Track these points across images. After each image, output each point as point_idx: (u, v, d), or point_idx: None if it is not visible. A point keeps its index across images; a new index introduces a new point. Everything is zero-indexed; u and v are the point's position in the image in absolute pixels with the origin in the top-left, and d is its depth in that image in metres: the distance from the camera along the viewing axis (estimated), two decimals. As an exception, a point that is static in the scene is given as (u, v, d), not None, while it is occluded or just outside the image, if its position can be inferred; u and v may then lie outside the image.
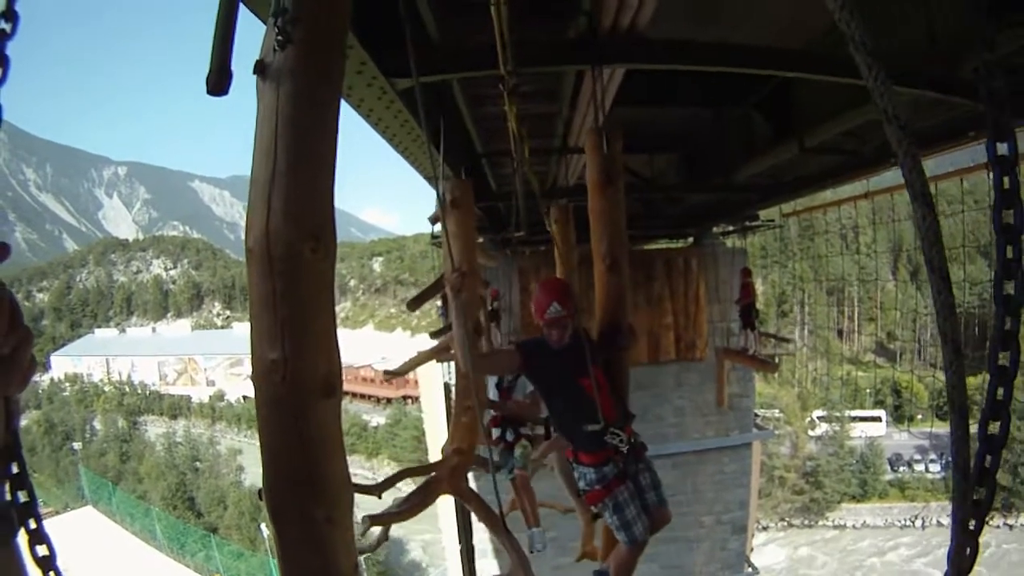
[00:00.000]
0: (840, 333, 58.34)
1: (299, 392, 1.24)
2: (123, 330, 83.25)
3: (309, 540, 1.32)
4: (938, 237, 0.85)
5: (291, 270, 1.19)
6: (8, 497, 0.87)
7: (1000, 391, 0.77)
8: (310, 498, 1.30)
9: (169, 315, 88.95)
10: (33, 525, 0.89)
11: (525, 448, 5.17)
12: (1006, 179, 0.92)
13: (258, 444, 1.30)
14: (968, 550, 0.83)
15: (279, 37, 1.14)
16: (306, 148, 1.19)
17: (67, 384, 69.83)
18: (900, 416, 50.45)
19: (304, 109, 1.18)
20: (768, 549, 39.63)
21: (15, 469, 0.86)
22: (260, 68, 1.19)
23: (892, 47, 3.60)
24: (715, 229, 11.61)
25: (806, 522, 44.97)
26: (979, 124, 4.38)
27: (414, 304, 3.84)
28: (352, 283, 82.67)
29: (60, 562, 0.86)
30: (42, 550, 0.90)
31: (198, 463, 50.63)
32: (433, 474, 4.78)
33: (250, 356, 1.25)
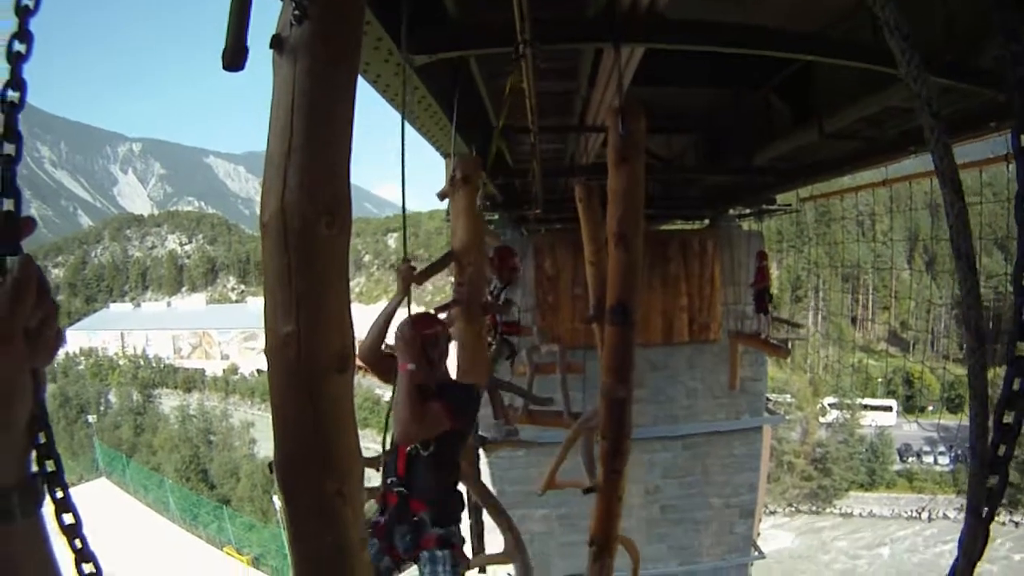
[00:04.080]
0: (854, 320, 58.01)
1: (312, 366, 1.24)
2: (138, 304, 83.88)
3: (319, 513, 1.33)
4: (966, 224, 0.85)
5: (306, 245, 1.19)
6: (35, 467, 0.89)
7: (1017, 381, 0.77)
8: (321, 471, 1.32)
9: (184, 289, 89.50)
10: (60, 494, 0.91)
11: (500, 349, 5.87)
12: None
13: (271, 418, 1.32)
14: (979, 537, 0.84)
15: (296, 12, 1.14)
16: (322, 124, 1.19)
17: (82, 358, 70.54)
18: (911, 407, 50.35)
19: (320, 84, 1.18)
20: (775, 534, 39.74)
21: (42, 439, 0.88)
22: (276, 43, 1.18)
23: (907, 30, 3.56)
24: (732, 211, 11.54)
25: (813, 508, 45.10)
26: (1000, 114, 4.32)
27: (420, 278, 3.85)
28: (367, 258, 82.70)
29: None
30: (68, 518, 0.92)
31: (211, 436, 51.25)
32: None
33: (264, 330, 1.25)
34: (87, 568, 0.95)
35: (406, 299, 3.11)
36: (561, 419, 6.67)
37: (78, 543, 0.94)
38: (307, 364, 1.24)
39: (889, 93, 4.24)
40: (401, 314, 3.00)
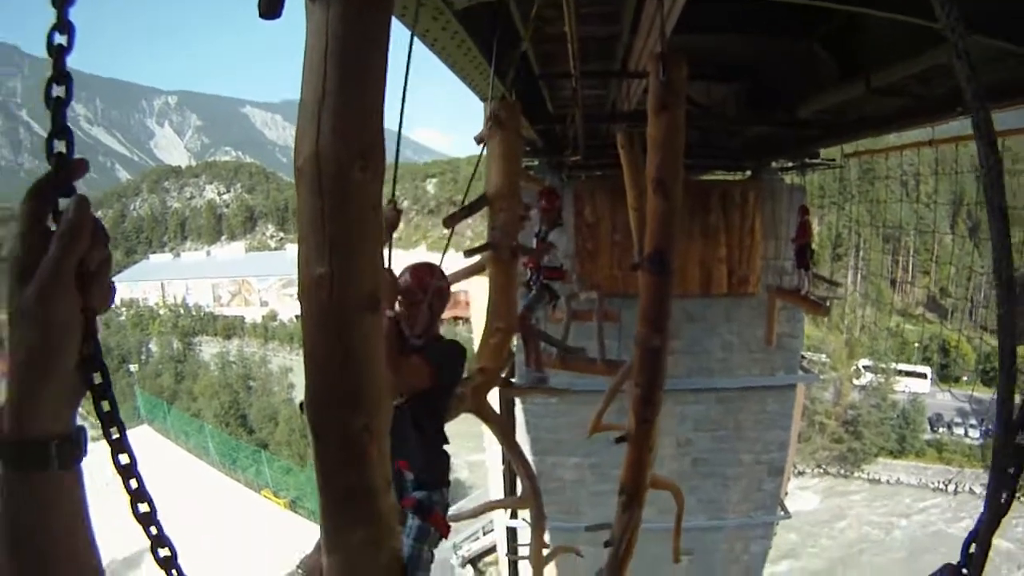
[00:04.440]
0: (893, 283, 56.92)
1: (344, 306, 1.26)
2: (177, 255, 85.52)
3: (346, 449, 1.35)
4: (1000, 175, 0.82)
5: (339, 189, 1.20)
6: (93, 406, 0.91)
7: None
8: (349, 408, 1.34)
9: (223, 238, 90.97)
10: (116, 435, 0.92)
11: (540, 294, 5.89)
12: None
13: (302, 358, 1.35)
14: (1005, 495, 0.83)
15: None
16: (355, 69, 1.18)
17: (123, 309, 72.50)
18: (945, 376, 49.43)
19: (353, 30, 1.17)
20: (800, 495, 39.80)
21: (98, 379, 0.90)
22: None
23: None
24: (774, 164, 11.30)
25: (841, 472, 44.98)
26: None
27: (450, 221, 3.85)
28: (405, 204, 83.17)
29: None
30: (124, 459, 0.94)
31: (251, 382, 52.63)
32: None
33: (297, 272, 1.29)
34: (142, 507, 0.97)
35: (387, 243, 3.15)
36: (595, 366, 6.73)
37: (133, 483, 0.95)
38: (338, 304, 1.26)
39: (940, 50, 4.08)
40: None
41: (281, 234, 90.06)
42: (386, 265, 2.96)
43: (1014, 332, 0.78)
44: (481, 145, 4.38)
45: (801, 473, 42.78)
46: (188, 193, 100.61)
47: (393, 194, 3.24)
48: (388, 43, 1.23)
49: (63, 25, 0.90)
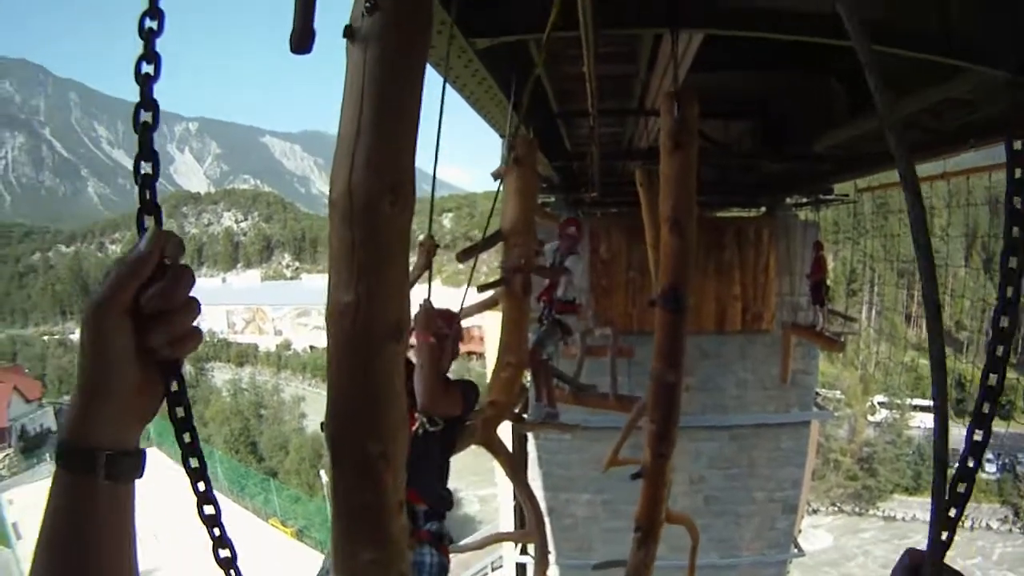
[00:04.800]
0: (908, 317, 56.43)
1: (369, 334, 1.31)
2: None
3: (362, 473, 1.39)
4: (923, 221, 0.84)
5: (370, 221, 1.25)
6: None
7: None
8: (368, 434, 1.38)
9: (239, 266, 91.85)
10: (188, 439, 0.98)
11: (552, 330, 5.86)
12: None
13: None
14: (946, 534, 0.79)
15: (367, 3, 1.20)
16: (390, 108, 1.24)
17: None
18: (961, 410, 48.55)
19: (390, 72, 1.23)
20: (816, 533, 39.12)
21: (175, 387, 0.93)
22: (349, 33, 1.25)
23: (968, 20, 3.45)
24: (788, 200, 11.33)
25: (856, 509, 44.18)
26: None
27: (465, 255, 3.91)
28: (420, 237, 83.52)
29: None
30: (194, 462, 0.99)
31: (262, 409, 52.65)
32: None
33: (326, 299, 1.33)
34: (208, 509, 1.02)
35: (425, 273, 3.30)
36: (607, 401, 6.73)
37: (201, 485, 1.01)
38: (363, 332, 1.30)
39: (951, 84, 4.12)
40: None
41: (297, 264, 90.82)
42: (426, 296, 3.04)
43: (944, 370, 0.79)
44: (498, 181, 4.45)
45: (815, 511, 42.09)
46: (206, 219, 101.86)
47: (429, 228, 3.34)
48: (422, 84, 1.29)
49: (150, 55, 0.94)
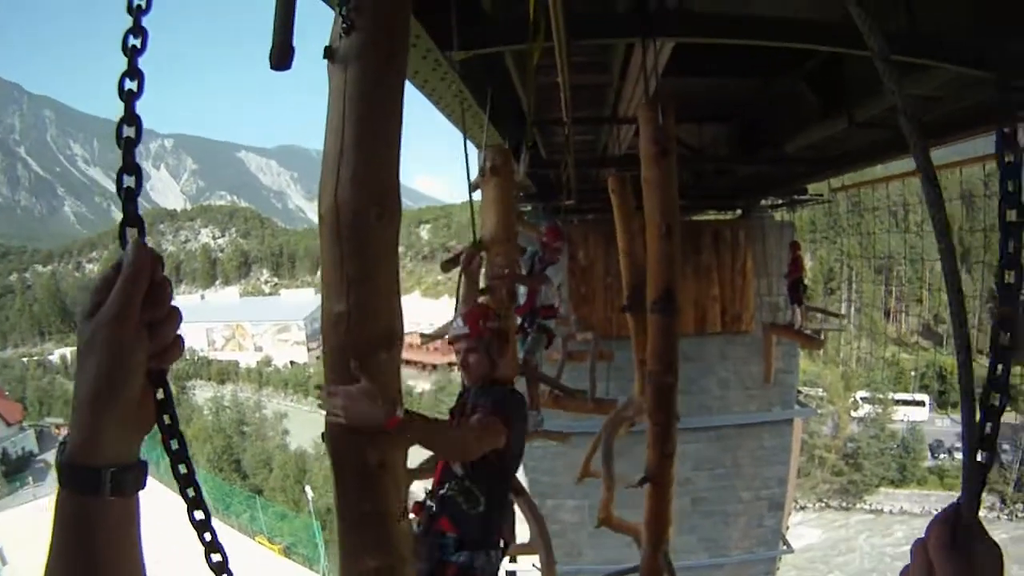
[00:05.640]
0: (887, 313, 57.06)
1: (361, 342, 1.36)
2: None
3: (362, 481, 1.44)
4: (945, 220, 0.86)
5: (357, 234, 1.30)
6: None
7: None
8: (366, 442, 1.44)
9: (218, 283, 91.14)
10: (176, 446, 1.00)
11: (539, 337, 5.81)
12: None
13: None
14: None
15: (344, 24, 1.24)
16: (371, 125, 1.29)
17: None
18: (943, 402, 49.32)
19: (369, 90, 1.28)
20: (804, 529, 39.32)
21: (160, 395, 0.95)
22: (329, 53, 1.29)
23: (940, 22, 3.54)
24: (764, 202, 11.47)
25: (843, 504, 44.45)
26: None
27: (448, 266, 3.93)
28: (399, 250, 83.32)
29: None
30: (183, 468, 1.01)
31: (244, 427, 51.97)
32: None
33: (320, 310, 1.38)
34: (198, 515, 1.03)
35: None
36: (585, 404, 6.80)
37: (191, 492, 1.02)
38: (356, 340, 1.36)
39: (916, 84, 4.22)
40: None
41: (275, 279, 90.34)
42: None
43: (970, 357, 0.81)
44: (476, 191, 4.48)
45: (803, 508, 42.30)
46: (183, 236, 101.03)
47: (474, 236, 3.39)
48: (402, 100, 1.35)
49: (133, 72, 0.96)
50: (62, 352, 79.99)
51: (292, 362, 67.09)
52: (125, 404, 0.84)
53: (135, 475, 0.86)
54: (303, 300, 73.53)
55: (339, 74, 1.29)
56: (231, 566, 1.07)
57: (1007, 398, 0.72)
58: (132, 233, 0.94)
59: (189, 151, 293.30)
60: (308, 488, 35.05)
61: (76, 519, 0.81)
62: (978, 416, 0.73)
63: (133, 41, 0.96)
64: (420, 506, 2.56)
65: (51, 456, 53.30)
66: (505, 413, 2.45)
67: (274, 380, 64.36)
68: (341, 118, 1.28)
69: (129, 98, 0.96)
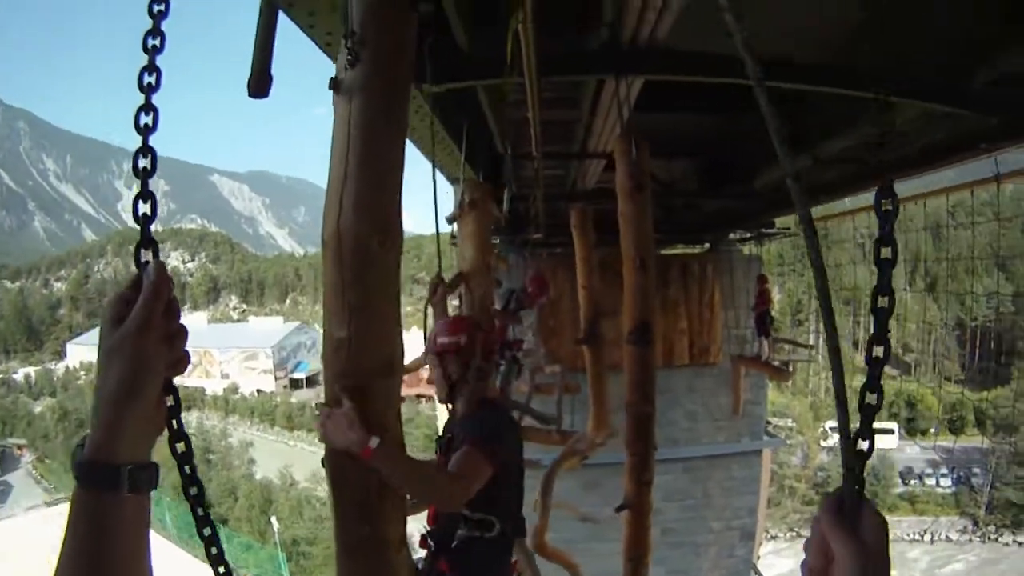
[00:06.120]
0: (855, 343, 57.87)
1: (361, 369, 1.38)
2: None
3: (362, 508, 1.46)
4: (825, 284, 0.96)
5: (359, 261, 1.33)
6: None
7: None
8: (364, 469, 1.44)
9: (186, 307, 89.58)
10: (183, 448, 1.10)
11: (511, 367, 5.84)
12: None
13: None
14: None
15: (349, 57, 1.27)
16: (374, 154, 1.33)
17: (83, 372, 70.51)
18: (912, 429, 50.11)
19: (372, 120, 1.32)
20: (775, 559, 39.31)
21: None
22: (334, 85, 1.33)
23: (902, 58, 3.67)
24: (732, 236, 11.64)
25: (815, 534, 44.68)
26: (990, 136, 4.44)
27: (434, 300, 3.95)
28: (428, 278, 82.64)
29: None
30: (180, 447, 1.09)
31: (210, 455, 50.94)
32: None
33: (322, 336, 1.42)
34: (192, 491, 1.15)
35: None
36: (551, 436, 6.83)
37: (187, 469, 1.12)
38: (357, 366, 1.38)
39: (884, 119, 4.34)
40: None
41: (244, 306, 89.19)
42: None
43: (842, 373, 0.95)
44: (453, 224, 4.52)
45: (774, 537, 42.35)
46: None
47: (439, 267, 3.39)
48: (406, 130, 1.40)
49: (148, 107, 1.03)
50: (27, 371, 78.05)
51: (259, 390, 66.03)
52: (144, 407, 0.91)
53: (149, 473, 0.91)
54: (271, 328, 72.67)
55: (344, 105, 1.32)
56: None
57: (882, 397, 0.87)
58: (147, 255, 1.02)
59: (161, 172, 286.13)
60: (274, 519, 34.39)
61: (95, 515, 0.86)
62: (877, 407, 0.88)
63: (148, 79, 1.03)
64: (424, 540, 2.47)
65: (12, 477, 51.97)
66: (489, 445, 2.24)
67: (240, 408, 63.28)
68: (345, 147, 1.31)
69: (145, 132, 1.02)
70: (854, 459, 0.85)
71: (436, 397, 2.70)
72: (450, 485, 2.08)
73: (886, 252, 0.89)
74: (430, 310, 3.55)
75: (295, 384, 68.16)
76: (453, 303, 4.57)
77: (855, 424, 0.86)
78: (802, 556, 0.86)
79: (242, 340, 69.31)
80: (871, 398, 0.88)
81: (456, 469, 2.16)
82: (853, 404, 0.87)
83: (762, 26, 4.14)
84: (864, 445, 0.85)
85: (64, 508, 0.96)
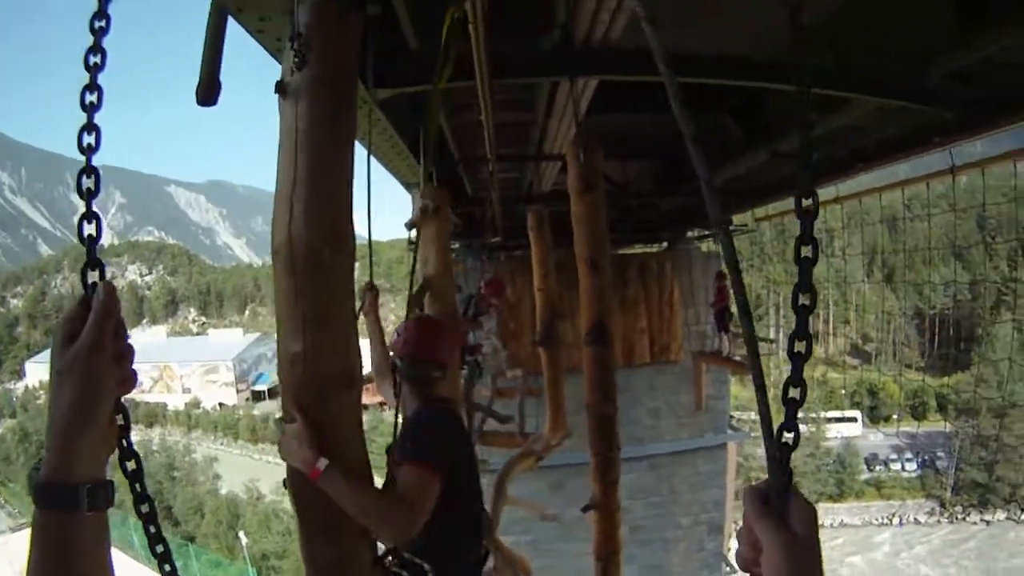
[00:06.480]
0: (816, 335, 59.01)
1: (319, 382, 1.34)
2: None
3: (328, 528, 1.42)
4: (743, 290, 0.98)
5: (311, 269, 1.30)
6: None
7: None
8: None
9: (144, 322, 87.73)
10: (133, 466, 1.06)
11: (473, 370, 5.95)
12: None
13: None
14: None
15: (295, 59, 1.24)
16: (323, 159, 1.30)
17: (42, 392, 68.45)
18: (875, 416, 51.35)
19: (320, 124, 1.29)
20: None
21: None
22: (280, 88, 1.29)
23: (860, 54, 3.74)
24: (689, 234, 11.76)
25: (783, 522, 45.41)
26: (944, 130, 4.55)
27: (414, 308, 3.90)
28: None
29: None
30: (131, 464, 1.05)
31: (174, 472, 49.91)
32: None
33: (277, 349, 1.37)
34: (144, 508, 1.11)
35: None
36: (514, 439, 6.88)
37: (138, 487, 1.08)
38: (314, 380, 1.34)
39: (838, 115, 4.43)
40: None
41: (203, 319, 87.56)
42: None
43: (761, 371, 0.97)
44: (412, 230, 4.47)
45: (743, 529, 42.98)
46: (110, 273, 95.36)
47: (371, 275, 3.22)
48: (353, 136, 1.37)
49: (91, 127, 1.02)
50: (-20, 388, 75.72)
51: (221, 404, 64.81)
52: (97, 427, 0.91)
53: (107, 491, 0.91)
54: (232, 340, 71.32)
55: (291, 109, 1.29)
56: None
57: (805, 391, 0.89)
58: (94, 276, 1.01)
59: (117, 184, 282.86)
60: (242, 534, 33.81)
61: (56, 535, 0.86)
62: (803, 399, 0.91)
63: (90, 97, 1.01)
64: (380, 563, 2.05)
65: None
66: (428, 457, 1.97)
67: (203, 423, 62.07)
68: (293, 152, 1.28)
69: (88, 152, 1.01)
70: (779, 450, 0.86)
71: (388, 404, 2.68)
72: (395, 513, 1.74)
73: (806, 251, 0.91)
74: (366, 321, 3.45)
75: (257, 396, 66.96)
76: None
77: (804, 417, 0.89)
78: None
79: (202, 353, 68.01)
80: (795, 392, 0.89)
81: (402, 493, 1.86)
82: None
83: (730, 26, 4.21)
84: (789, 437, 0.86)
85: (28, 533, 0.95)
